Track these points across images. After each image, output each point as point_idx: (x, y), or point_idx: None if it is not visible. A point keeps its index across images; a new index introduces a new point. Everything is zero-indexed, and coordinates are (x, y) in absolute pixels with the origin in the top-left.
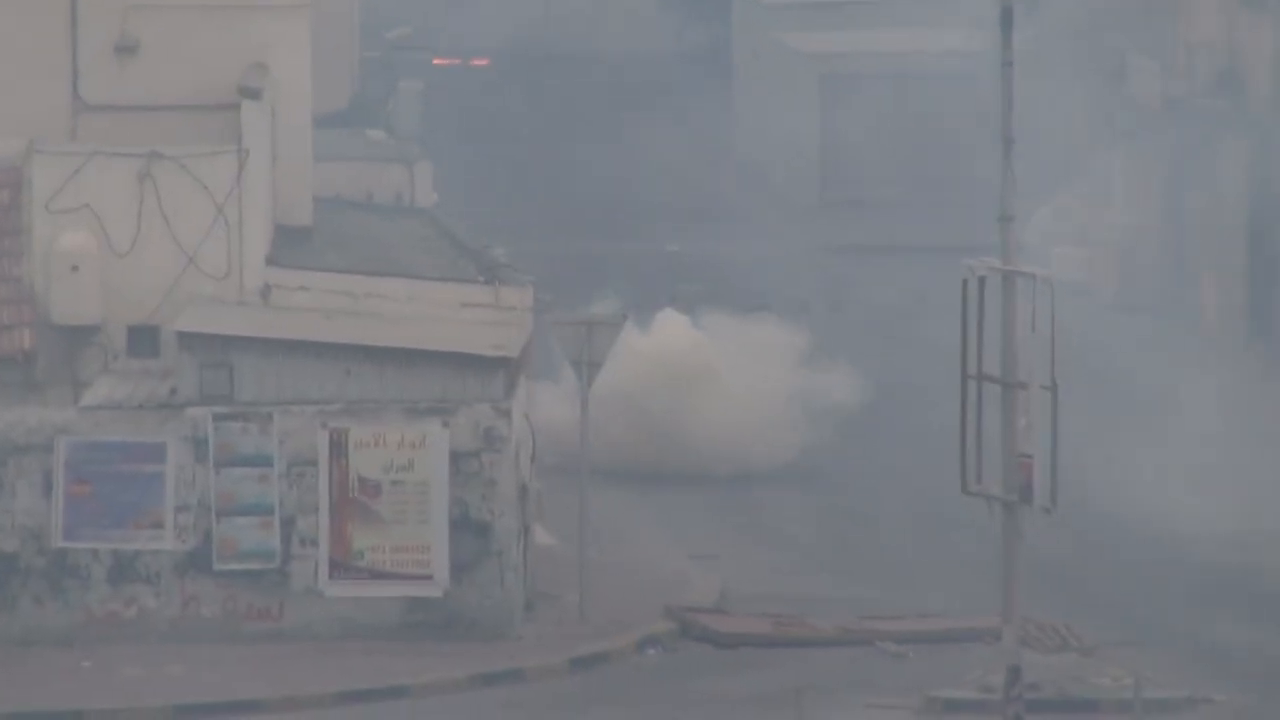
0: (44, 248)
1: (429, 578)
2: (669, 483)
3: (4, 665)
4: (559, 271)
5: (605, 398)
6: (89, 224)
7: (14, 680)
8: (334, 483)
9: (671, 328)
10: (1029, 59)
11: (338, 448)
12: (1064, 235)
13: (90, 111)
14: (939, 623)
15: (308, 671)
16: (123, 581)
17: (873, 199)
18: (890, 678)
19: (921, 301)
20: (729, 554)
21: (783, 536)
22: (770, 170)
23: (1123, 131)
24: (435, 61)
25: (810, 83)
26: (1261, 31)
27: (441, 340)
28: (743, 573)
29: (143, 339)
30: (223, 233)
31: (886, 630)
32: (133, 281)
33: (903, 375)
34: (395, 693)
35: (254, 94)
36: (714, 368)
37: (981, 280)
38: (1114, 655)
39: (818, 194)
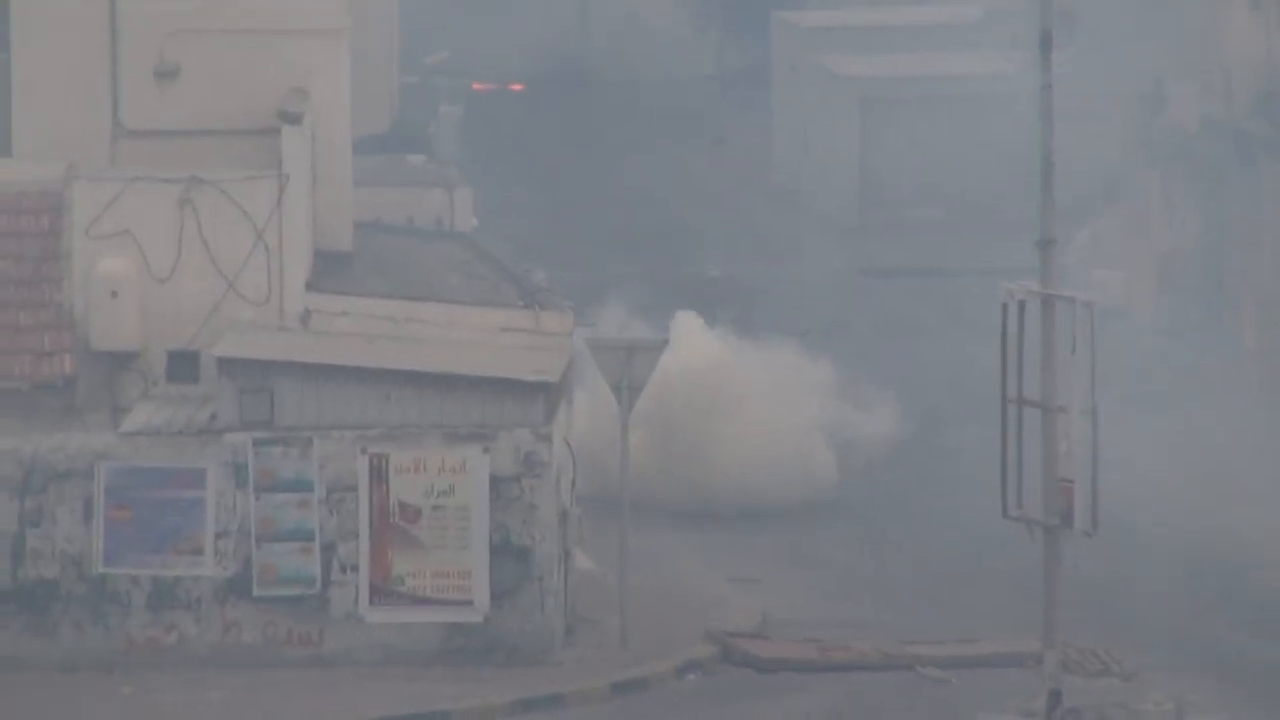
0: (84, 273)
1: (469, 603)
2: (699, 513)
3: (45, 691)
4: (597, 294)
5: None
6: (129, 249)
7: (55, 707)
8: (374, 508)
9: (692, 337)
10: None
11: (378, 473)
12: (1103, 259)
13: (130, 137)
14: (980, 647)
15: (348, 697)
16: (163, 607)
17: (912, 221)
18: (932, 702)
19: (960, 324)
20: (768, 578)
21: (822, 560)
22: (810, 193)
23: (1161, 154)
24: (474, 86)
25: (850, 105)
26: None
27: (482, 365)
28: (783, 597)
29: (183, 364)
30: (263, 258)
31: (928, 655)
32: (172, 307)
33: (942, 398)
34: (436, 718)
35: (294, 119)
36: (739, 390)
37: (1021, 304)
38: (1155, 680)
39: (857, 216)
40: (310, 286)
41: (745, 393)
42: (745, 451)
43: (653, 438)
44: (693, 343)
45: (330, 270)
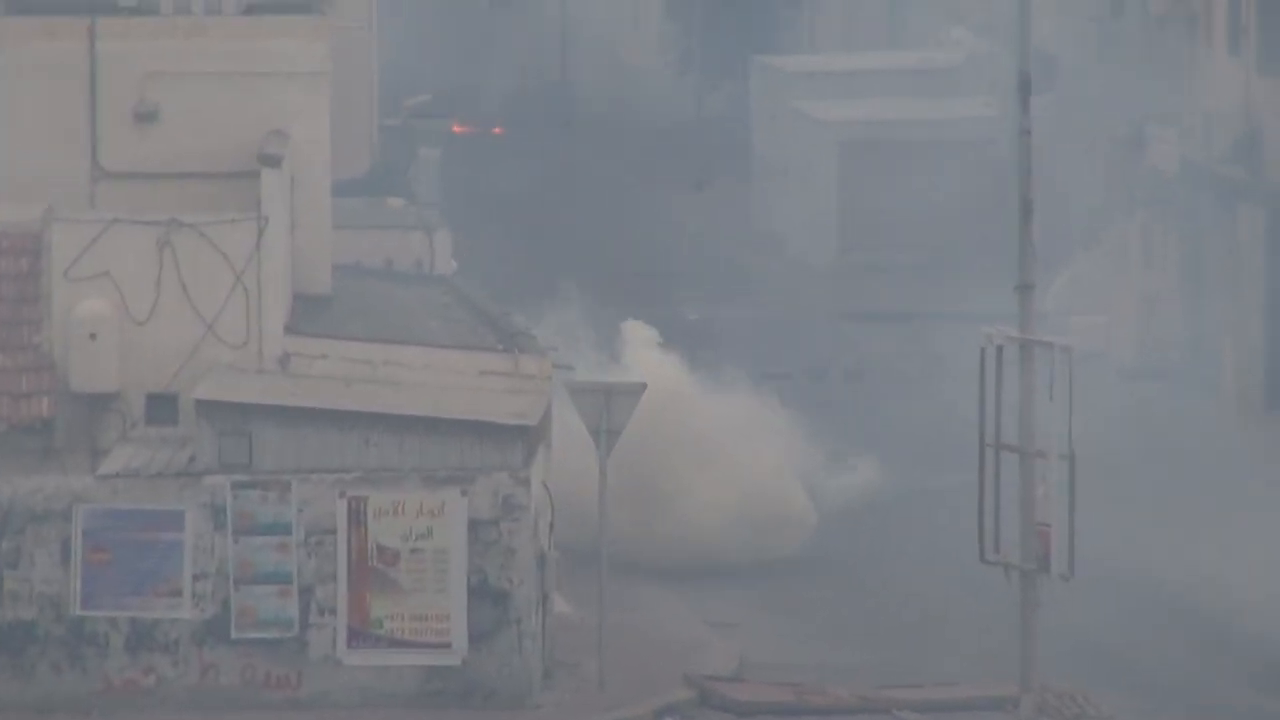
0: (63, 315)
1: (447, 646)
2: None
3: None
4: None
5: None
6: (108, 291)
7: None
8: (353, 551)
9: (643, 355)
10: (1047, 126)
11: (356, 516)
12: (1082, 303)
13: (109, 179)
14: (957, 691)
15: None
16: (141, 650)
17: (891, 265)
18: None
19: (939, 368)
20: (746, 622)
21: (800, 604)
22: (789, 236)
23: (1141, 198)
24: (454, 129)
25: (829, 149)
26: (1278, 97)
27: (460, 408)
28: (761, 641)
29: (161, 407)
30: (242, 300)
31: (905, 699)
32: (151, 349)
33: (920, 442)
34: None
35: (273, 161)
36: (701, 426)
37: (999, 349)
38: None
39: (836, 260)
40: (289, 329)
41: (708, 429)
42: (718, 510)
43: (623, 489)
44: (643, 360)
45: (309, 313)
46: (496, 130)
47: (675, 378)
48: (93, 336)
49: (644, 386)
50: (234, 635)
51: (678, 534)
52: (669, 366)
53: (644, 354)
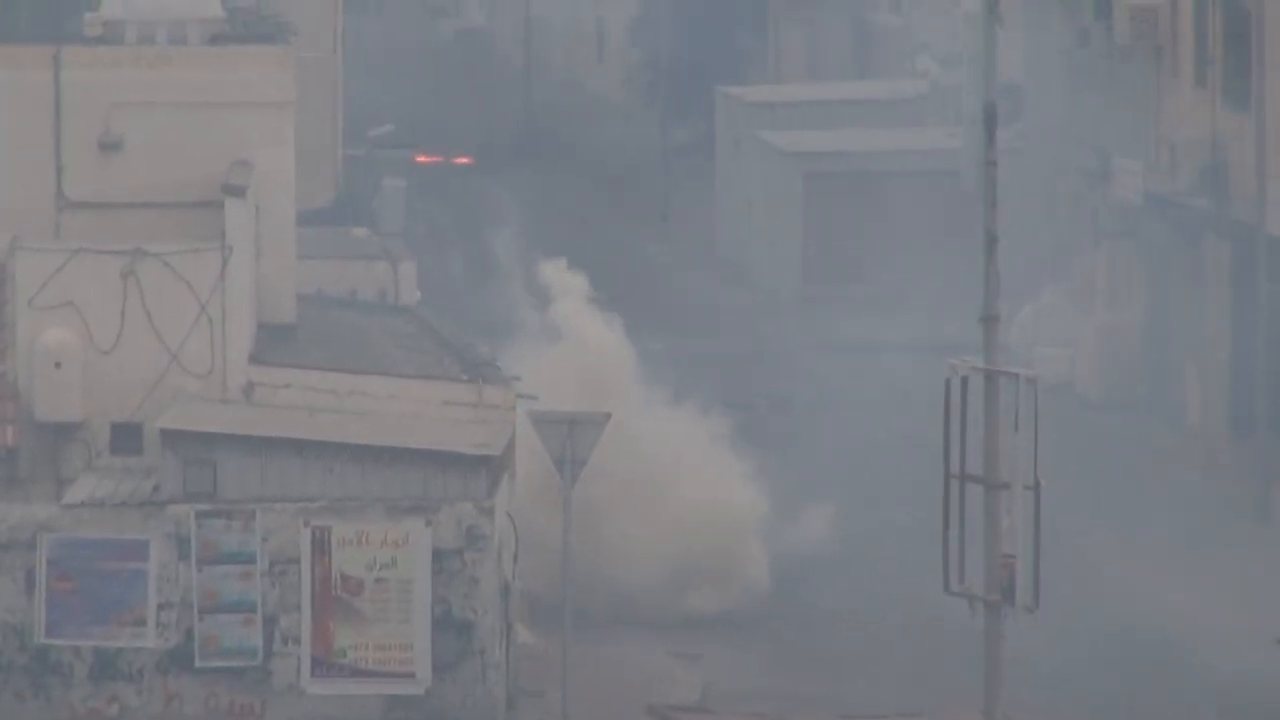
0: (27, 344)
1: (411, 675)
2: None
3: None
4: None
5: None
6: (72, 321)
7: None
8: (316, 580)
9: (575, 314)
10: (1012, 158)
11: (320, 545)
12: (1047, 335)
13: (74, 208)
14: None
15: None
16: (105, 679)
17: (855, 295)
18: None
19: (903, 399)
20: (709, 652)
21: (763, 633)
22: (754, 266)
23: (1106, 230)
24: (418, 159)
25: (793, 179)
26: (1243, 130)
27: (424, 438)
28: (724, 670)
29: (126, 436)
30: (206, 330)
31: None
32: (116, 379)
33: (883, 473)
34: None
35: (237, 191)
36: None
37: (964, 380)
38: None
39: (801, 290)
40: (254, 359)
41: (650, 464)
42: (670, 548)
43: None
44: (576, 321)
45: (273, 343)
46: (461, 160)
47: (611, 338)
48: (57, 365)
49: (608, 416)
50: (198, 664)
51: (618, 579)
52: (601, 330)
53: (576, 312)
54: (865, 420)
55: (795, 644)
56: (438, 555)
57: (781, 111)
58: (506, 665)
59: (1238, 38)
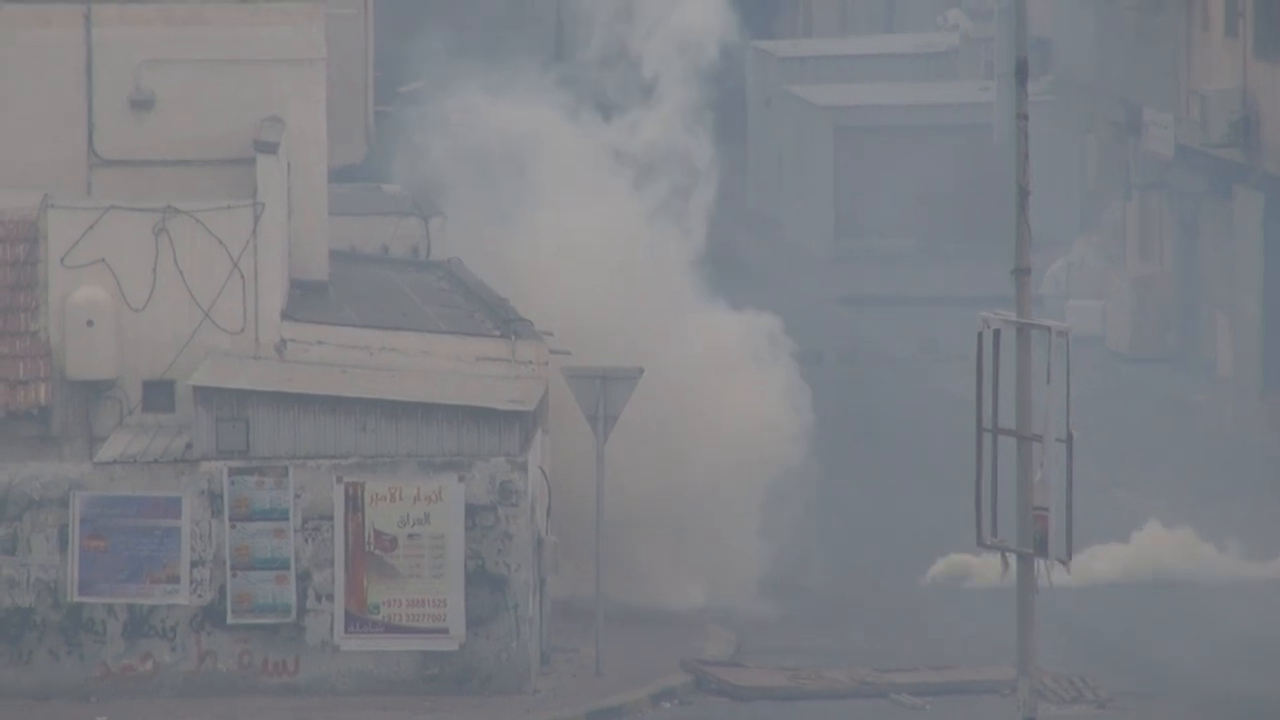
0: (59, 302)
1: (444, 631)
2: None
3: None
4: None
5: None
6: (104, 278)
7: None
8: (349, 536)
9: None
10: (1043, 110)
11: (353, 501)
12: (1079, 288)
13: (105, 166)
14: (955, 674)
15: None
16: (138, 636)
17: (887, 250)
18: None
19: (935, 353)
20: (742, 606)
21: (796, 588)
22: (785, 221)
23: (1137, 183)
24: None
25: (824, 134)
26: (1275, 81)
27: (457, 394)
28: (758, 625)
29: (158, 393)
30: (238, 287)
31: (903, 682)
32: (148, 336)
33: (915, 427)
34: None
35: (269, 148)
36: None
37: (996, 333)
38: (1129, 706)
39: (832, 245)
40: (286, 316)
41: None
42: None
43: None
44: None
45: (306, 299)
46: None
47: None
48: (90, 323)
49: (640, 371)
50: (231, 621)
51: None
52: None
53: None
54: (895, 374)
55: (829, 600)
56: (471, 510)
57: (811, 65)
58: (540, 620)
59: None
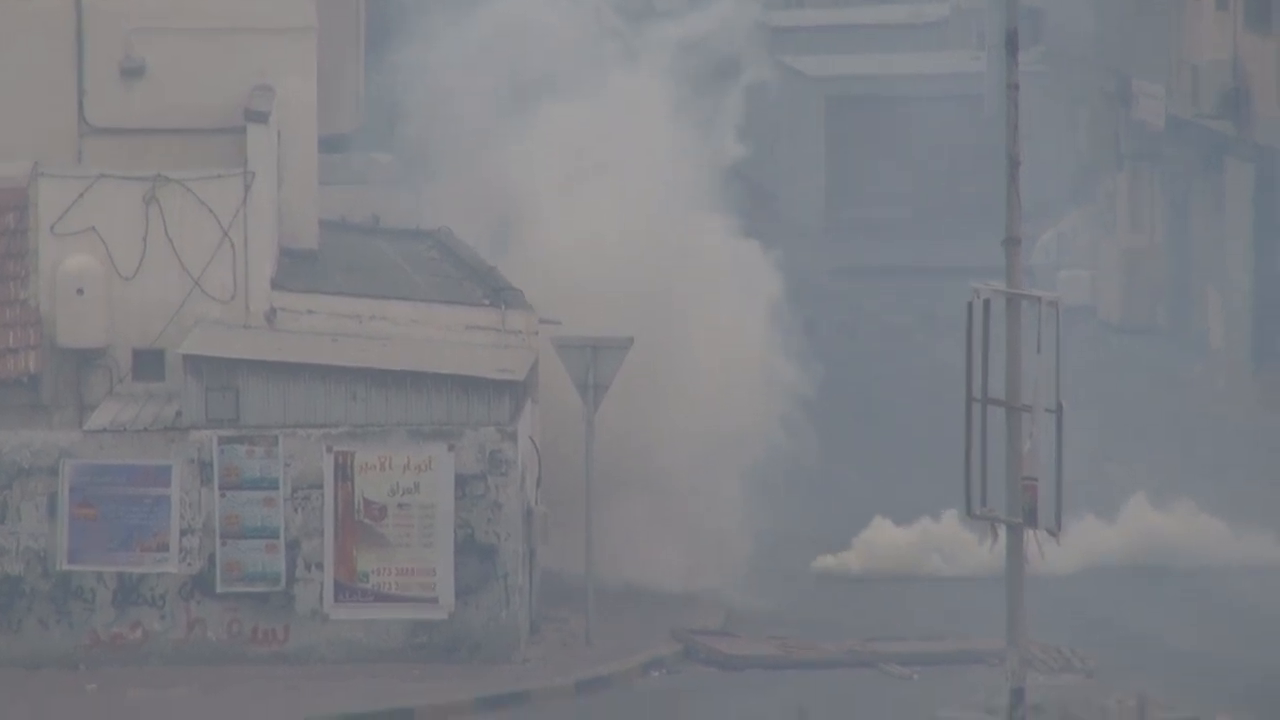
0: (49, 271)
1: (434, 600)
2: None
3: (9, 688)
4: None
5: None
6: (94, 247)
7: (19, 703)
8: (339, 505)
9: None
10: (1034, 81)
11: (343, 470)
12: (1069, 258)
13: (96, 134)
14: (944, 644)
15: (312, 694)
16: (128, 604)
17: (879, 221)
18: (896, 699)
19: (929, 323)
20: (731, 577)
21: (786, 564)
22: (776, 192)
23: (1128, 153)
24: None
25: (816, 105)
26: (1266, 53)
27: (447, 363)
28: (747, 594)
29: (148, 362)
30: (228, 256)
31: (892, 652)
32: (138, 304)
33: (911, 398)
34: (400, 715)
35: (260, 117)
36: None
37: (986, 303)
38: (1118, 676)
39: (824, 216)
40: (276, 284)
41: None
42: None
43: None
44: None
45: (296, 268)
46: None
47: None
48: (80, 292)
49: (631, 341)
50: (220, 589)
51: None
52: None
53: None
54: (887, 344)
55: (814, 572)
56: (460, 480)
57: (803, 36)
58: (530, 589)
59: None
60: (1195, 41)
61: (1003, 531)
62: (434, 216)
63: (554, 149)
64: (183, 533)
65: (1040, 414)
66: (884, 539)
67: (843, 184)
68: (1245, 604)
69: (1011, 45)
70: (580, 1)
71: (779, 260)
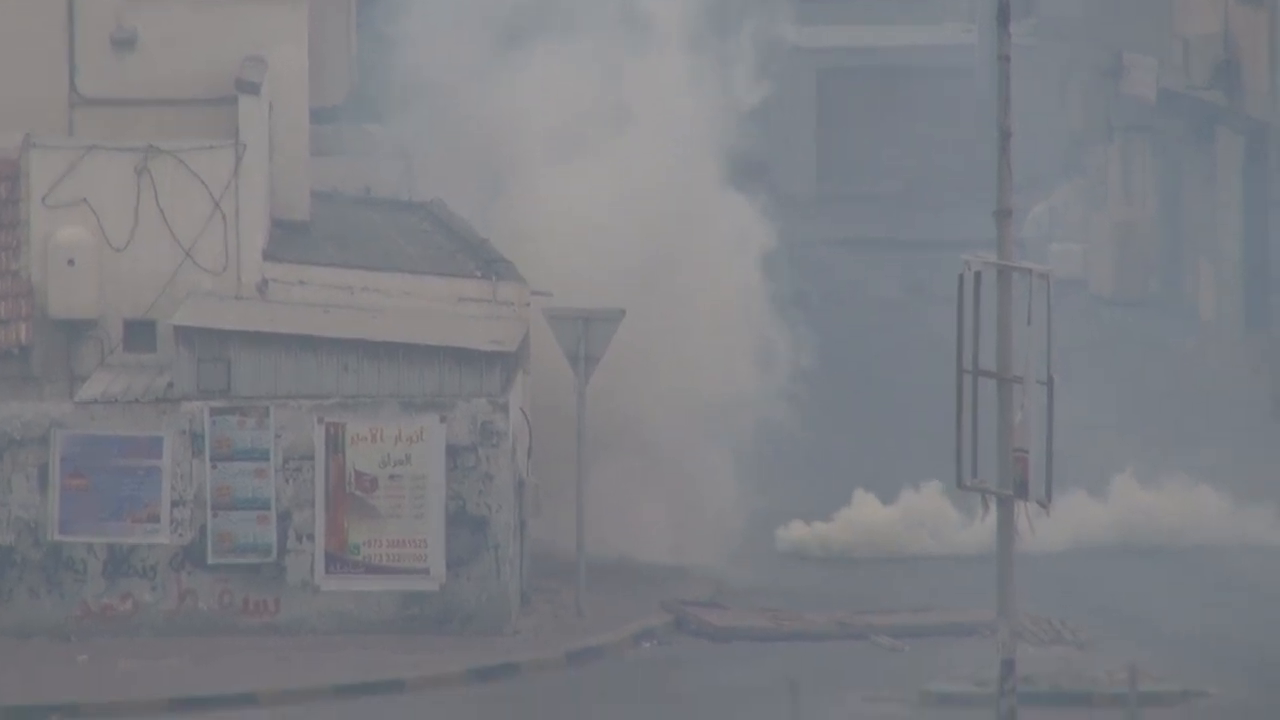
0: (41, 242)
1: (425, 572)
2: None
3: (0, 658)
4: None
5: None
6: (86, 218)
7: (10, 673)
8: (330, 477)
9: None
10: (1026, 54)
11: (334, 442)
12: (1060, 230)
13: (87, 105)
14: (934, 616)
15: (303, 665)
16: (119, 575)
17: (870, 193)
18: (886, 671)
19: (919, 295)
20: (722, 548)
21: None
22: (767, 164)
23: (1120, 126)
24: None
25: (808, 77)
26: (1257, 25)
27: (439, 335)
28: (737, 566)
29: (139, 333)
30: (220, 227)
31: (882, 624)
32: (129, 275)
33: (901, 370)
34: (391, 686)
35: (251, 88)
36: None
37: (978, 275)
38: (1108, 648)
39: (815, 188)
40: (267, 256)
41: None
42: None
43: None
44: None
45: (287, 240)
46: None
47: None
48: (71, 263)
49: (622, 313)
50: (211, 561)
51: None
52: None
53: None
54: (878, 316)
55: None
56: (452, 451)
57: (795, 7)
58: (520, 561)
59: None
60: (1186, 14)
61: (993, 504)
62: (426, 187)
63: (549, 101)
64: (174, 504)
65: (1031, 386)
66: (865, 516)
67: (834, 156)
68: (1243, 582)
69: (1003, 18)
70: None
71: (771, 231)
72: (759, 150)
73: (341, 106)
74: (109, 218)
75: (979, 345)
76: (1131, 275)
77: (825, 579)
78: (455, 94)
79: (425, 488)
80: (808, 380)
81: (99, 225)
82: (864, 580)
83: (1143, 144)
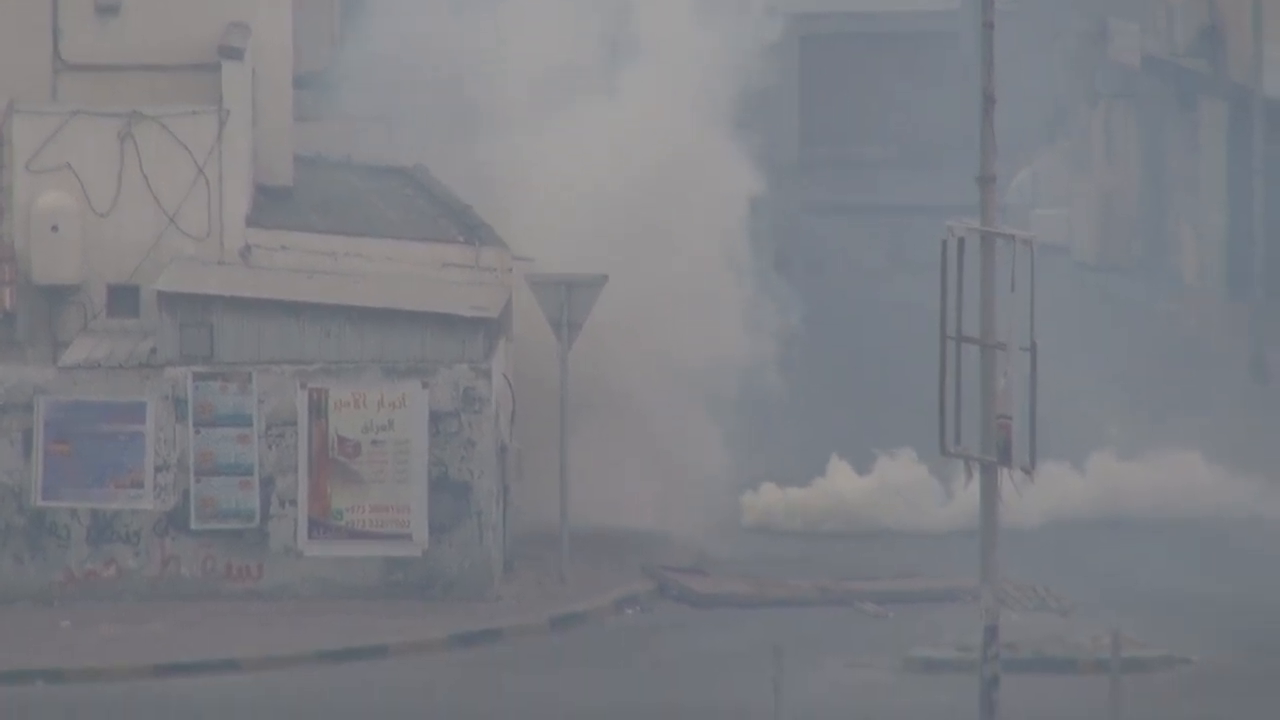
0: (24, 207)
1: (408, 537)
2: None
3: None
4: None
5: None
6: (69, 184)
7: None
8: (313, 442)
9: None
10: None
11: (317, 407)
12: (1045, 197)
13: (71, 71)
14: (917, 583)
15: (286, 631)
16: (102, 541)
17: (854, 158)
18: (869, 637)
19: (902, 262)
20: (705, 515)
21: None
22: (749, 129)
23: (1103, 92)
24: None
25: (790, 41)
26: None
27: (422, 300)
28: (720, 532)
29: (123, 299)
30: (203, 193)
31: (865, 590)
32: (113, 241)
33: (883, 336)
34: (374, 652)
35: (235, 54)
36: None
37: (961, 241)
38: (1092, 615)
39: (797, 153)
40: (251, 221)
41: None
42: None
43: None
44: None
45: (271, 205)
46: None
47: None
48: (54, 229)
49: (605, 279)
50: (195, 526)
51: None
52: None
53: None
54: (860, 282)
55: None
56: (434, 417)
57: None
58: (503, 527)
59: None
60: None
61: (976, 470)
62: (409, 152)
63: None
64: (157, 469)
65: (1015, 352)
66: (838, 485)
67: (816, 121)
68: (1226, 549)
69: None
70: None
71: (752, 197)
72: (741, 116)
73: (325, 71)
74: (92, 183)
75: (962, 311)
76: (1115, 241)
77: (806, 550)
78: (432, 52)
79: (408, 453)
80: (791, 346)
81: (82, 191)
82: (845, 553)
83: (1126, 110)
